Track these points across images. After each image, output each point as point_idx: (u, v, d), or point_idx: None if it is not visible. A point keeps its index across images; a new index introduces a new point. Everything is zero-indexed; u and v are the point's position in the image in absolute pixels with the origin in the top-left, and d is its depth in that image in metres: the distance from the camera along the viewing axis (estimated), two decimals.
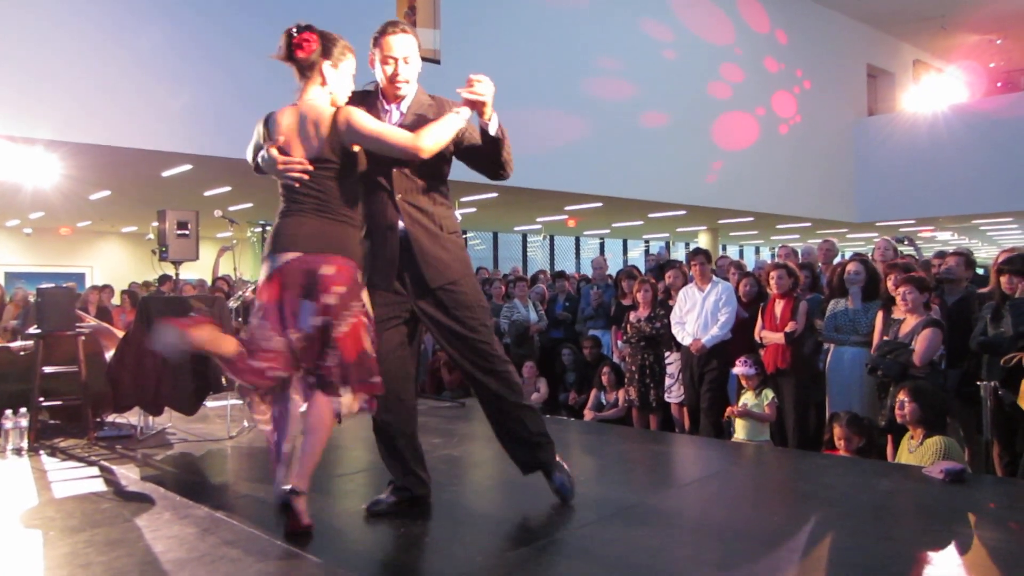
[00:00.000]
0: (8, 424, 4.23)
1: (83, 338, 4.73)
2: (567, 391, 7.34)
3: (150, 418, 4.82)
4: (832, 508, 3.13)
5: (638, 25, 12.70)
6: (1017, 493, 3.46)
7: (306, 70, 2.73)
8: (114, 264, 17.23)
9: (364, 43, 2.88)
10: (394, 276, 2.86)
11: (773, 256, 11.05)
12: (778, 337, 5.38)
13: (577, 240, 21.73)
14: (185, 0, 7.99)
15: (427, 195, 2.89)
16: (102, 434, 4.70)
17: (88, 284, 13.81)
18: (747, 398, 5.23)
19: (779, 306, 5.51)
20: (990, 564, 2.57)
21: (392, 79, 2.82)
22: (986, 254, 19.93)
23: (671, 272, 6.45)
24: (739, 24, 14.62)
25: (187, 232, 5.26)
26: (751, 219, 16.44)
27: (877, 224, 17.57)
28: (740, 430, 5.19)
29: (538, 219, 16.61)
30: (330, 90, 2.76)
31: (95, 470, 3.88)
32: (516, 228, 19.08)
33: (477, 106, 2.74)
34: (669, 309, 6.11)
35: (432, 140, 2.66)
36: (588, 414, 6.64)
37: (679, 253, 19.74)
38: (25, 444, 4.27)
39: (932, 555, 2.62)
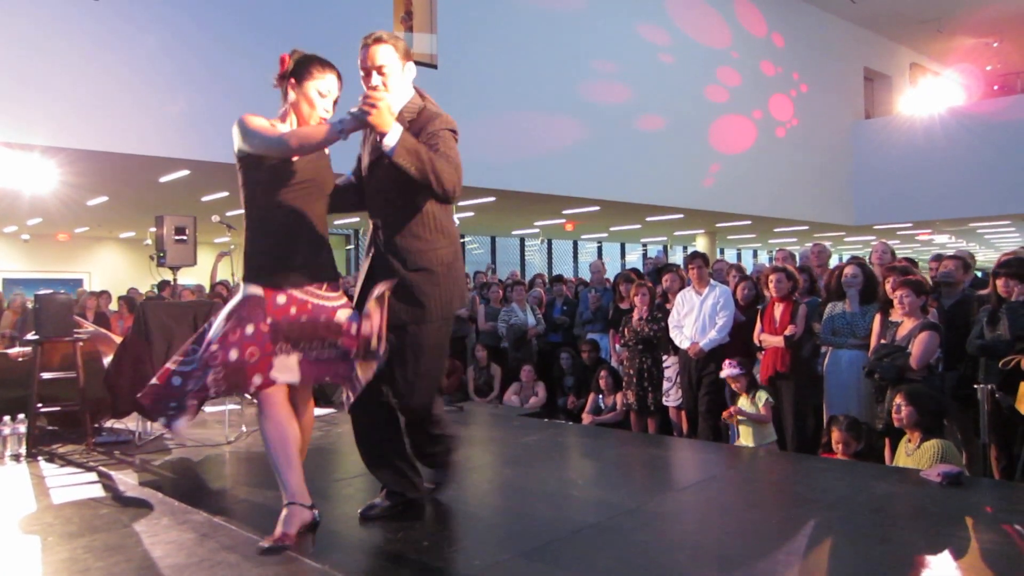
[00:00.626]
0: (6, 430, 4.24)
1: (81, 344, 4.74)
2: (565, 395, 7.35)
3: (148, 423, 4.82)
4: (830, 511, 3.13)
5: (635, 29, 12.74)
6: (1014, 496, 3.46)
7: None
8: (112, 270, 17.22)
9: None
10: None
11: (771, 259, 11.04)
12: (777, 341, 5.38)
13: (575, 244, 21.76)
14: (181, 8, 8.02)
15: (404, 228, 2.81)
16: (100, 440, 4.70)
17: (86, 290, 13.75)
18: (741, 403, 5.19)
19: (778, 309, 5.51)
20: (987, 567, 2.58)
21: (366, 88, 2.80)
22: (984, 257, 19.94)
23: (668, 275, 6.44)
24: (736, 27, 14.66)
25: (185, 237, 5.27)
26: (748, 222, 16.45)
27: (875, 227, 17.58)
28: (746, 436, 5.13)
29: (536, 223, 16.63)
30: (287, 106, 2.81)
31: (93, 476, 3.88)
32: (514, 232, 19.10)
33: (371, 123, 2.48)
34: (667, 312, 6.11)
35: (298, 141, 2.62)
36: (586, 418, 6.64)
37: (677, 256, 19.75)
38: (23, 450, 4.28)
39: (929, 558, 2.62)
